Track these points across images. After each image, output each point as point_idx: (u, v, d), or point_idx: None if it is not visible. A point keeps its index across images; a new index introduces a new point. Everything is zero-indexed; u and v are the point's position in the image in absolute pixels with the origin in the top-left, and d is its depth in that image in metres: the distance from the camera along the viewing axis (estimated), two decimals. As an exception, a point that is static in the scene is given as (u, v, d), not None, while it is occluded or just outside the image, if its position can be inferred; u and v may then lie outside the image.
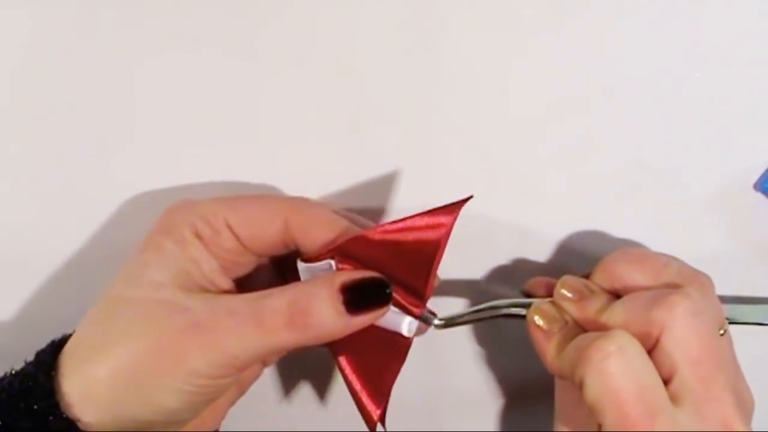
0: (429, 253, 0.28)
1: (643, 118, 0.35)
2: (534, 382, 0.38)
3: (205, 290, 0.29)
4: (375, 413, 0.30)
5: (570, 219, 0.36)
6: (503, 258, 0.37)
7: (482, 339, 0.38)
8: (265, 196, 0.31)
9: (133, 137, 0.37)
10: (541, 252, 0.37)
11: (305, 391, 0.40)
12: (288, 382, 0.40)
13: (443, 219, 0.28)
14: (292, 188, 0.37)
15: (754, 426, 0.33)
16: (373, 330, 0.29)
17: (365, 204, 0.37)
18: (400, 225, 0.28)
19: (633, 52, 0.35)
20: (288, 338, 0.28)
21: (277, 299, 0.28)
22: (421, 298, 0.30)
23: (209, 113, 0.36)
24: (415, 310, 0.30)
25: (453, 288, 0.38)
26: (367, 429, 0.30)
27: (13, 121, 0.37)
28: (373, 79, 0.36)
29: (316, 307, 0.28)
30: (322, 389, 0.40)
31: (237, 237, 0.30)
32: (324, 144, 0.36)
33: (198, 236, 0.29)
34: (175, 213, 0.30)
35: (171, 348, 0.27)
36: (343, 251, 0.29)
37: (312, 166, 0.37)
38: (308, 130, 0.36)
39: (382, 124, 0.36)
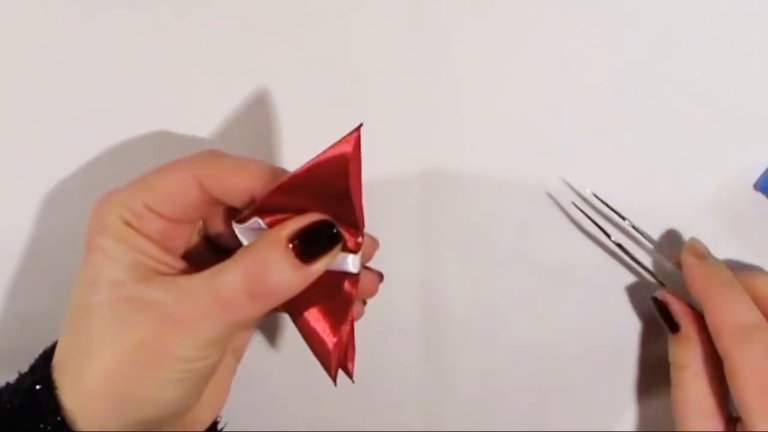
0: (345, 174, 0.27)
1: (642, 117, 0.35)
2: (535, 381, 0.38)
3: (163, 273, 0.29)
4: (331, 341, 0.29)
5: (569, 219, 0.36)
6: (502, 257, 0.37)
7: (482, 339, 0.38)
8: (173, 164, 0.30)
9: (134, 137, 0.37)
10: (540, 252, 0.37)
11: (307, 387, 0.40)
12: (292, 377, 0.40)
13: (347, 137, 0.27)
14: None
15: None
16: (320, 277, 0.29)
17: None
18: (310, 163, 0.27)
19: (632, 51, 0.35)
20: (255, 309, 0.28)
21: (231, 275, 0.27)
22: (356, 227, 0.29)
23: (210, 112, 0.37)
24: (353, 242, 0.29)
25: (449, 288, 0.38)
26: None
27: (20, 122, 0.37)
28: (371, 78, 0.36)
29: (272, 271, 0.27)
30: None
31: (160, 215, 0.29)
32: (321, 143, 0.37)
33: (129, 225, 0.29)
34: (101, 209, 0.29)
35: (152, 343, 0.27)
36: (264, 208, 0.28)
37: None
38: (306, 129, 0.36)
39: (380, 124, 0.36)
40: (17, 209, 0.37)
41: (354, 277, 0.30)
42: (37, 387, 0.28)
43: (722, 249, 0.36)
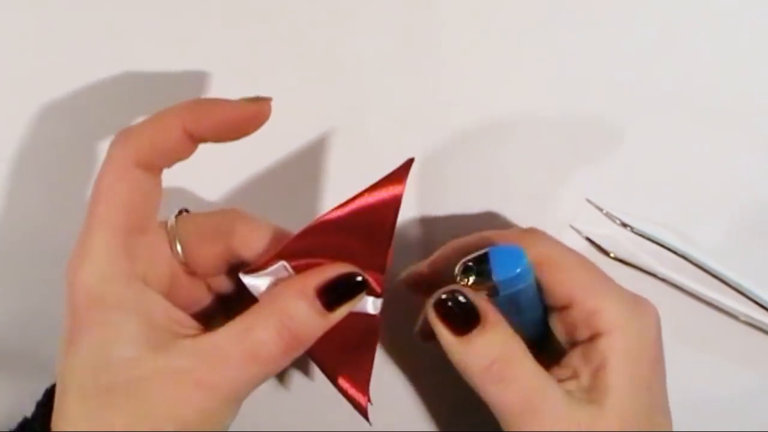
0: (384, 226, 0.27)
1: (644, 117, 0.35)
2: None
3: (177, 334, 0.27)
4: (363, 402, 0.30)
5: (566, 220, 0.36)
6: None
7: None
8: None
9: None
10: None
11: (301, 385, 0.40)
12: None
13: (393, 189, 0.27)
14: (290, 187, 0.37)
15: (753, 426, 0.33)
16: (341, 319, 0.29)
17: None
18: (347, 208, 0.27)
19: (632, 51, 0.35)
20: (286, 361, 0.27)
21: (264, 331, 0.27)
22: (381, 272, 0.29)
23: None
24: (377, 287, 0.29)
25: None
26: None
27: (20, 121, 0.37)
28: (371, 79, 0.36)
29: (304, 325, 0.27)
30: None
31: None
32: (321, 143, 0.37)
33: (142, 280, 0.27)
34: (84, 277, 0.27)
35: (187, 414, 0.26)
36: (292, 250, 0.28)
37: (310, 165, 0.37)
38: (306, 128, 0.36)
39: (381, 124, 0.36)
40: (17, 209, 0.38)
41: (374, 319, 0.30)
42: None
43: (723, 251, 0.36)
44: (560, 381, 0.29)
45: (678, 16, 0.35)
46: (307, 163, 0.37)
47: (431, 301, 0.28)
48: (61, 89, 0.37)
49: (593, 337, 0.29)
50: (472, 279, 0.28)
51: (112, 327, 0.26)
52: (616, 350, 0.28)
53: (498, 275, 0.27)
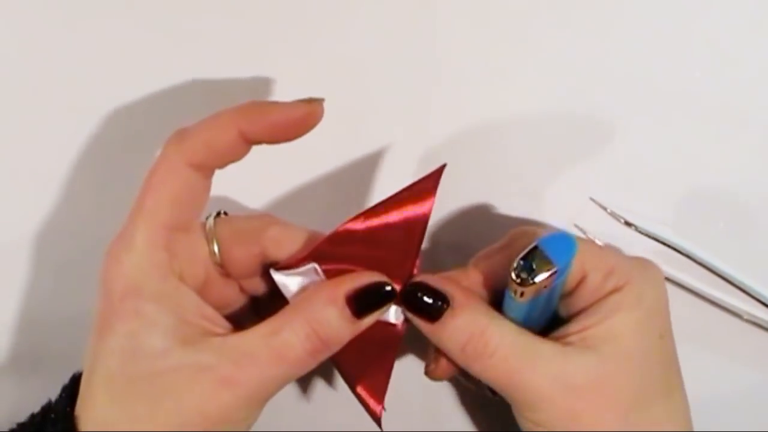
0: (412, 238, 0.28)
1: (648, 116, 0.35)
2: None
3: (208, 332, 0.28)
4: (377, 409, 0.30)
5: (570, 219, 0.36)
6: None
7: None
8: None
9: (136, 137, 0.37)
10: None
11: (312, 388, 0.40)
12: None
13: (421, 204, 0.27)
14: (290, 187, 0.37)
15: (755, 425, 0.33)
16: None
17: (360, 202, 0.37)
18: (378, 211, 0.27)
19: (635, 50, 0.35)
20: (313, 363, 0.28)
21: (293, 334, 0.27)
22: (406, 282, 0.29)
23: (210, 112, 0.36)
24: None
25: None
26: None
27: (26, 119, 0.37)
28: (372, 78, 0.36)
29: (333, 330, 0.28)
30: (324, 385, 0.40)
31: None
32: (322, 143, 0.37)
33: (176, 275, 0.28)
34: (124, 265, 0.27)
35: (210, 410, 0.26)
36: (322, 252, 0.28)
37: (310, 165, 0.37)
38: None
39: (380, 123, 0.36)
40: (19, 211, 0.37)
41: (396, 329, 0.30)
42: None
43: (727, 250, 0.36)
44: (560, 338, 0.28)
45: (679, 13, 0.35)
46: (309, 163, 0.37)
47: (401, 296, 0.29)
48: (66, 88, 0.37)
49: (604, 297, 0.29)
50: (529, 276, 0.26)
51: (145, 317, 0.26)
52: (628, 301, 0.28)
53: (558, 262, 0.26)
